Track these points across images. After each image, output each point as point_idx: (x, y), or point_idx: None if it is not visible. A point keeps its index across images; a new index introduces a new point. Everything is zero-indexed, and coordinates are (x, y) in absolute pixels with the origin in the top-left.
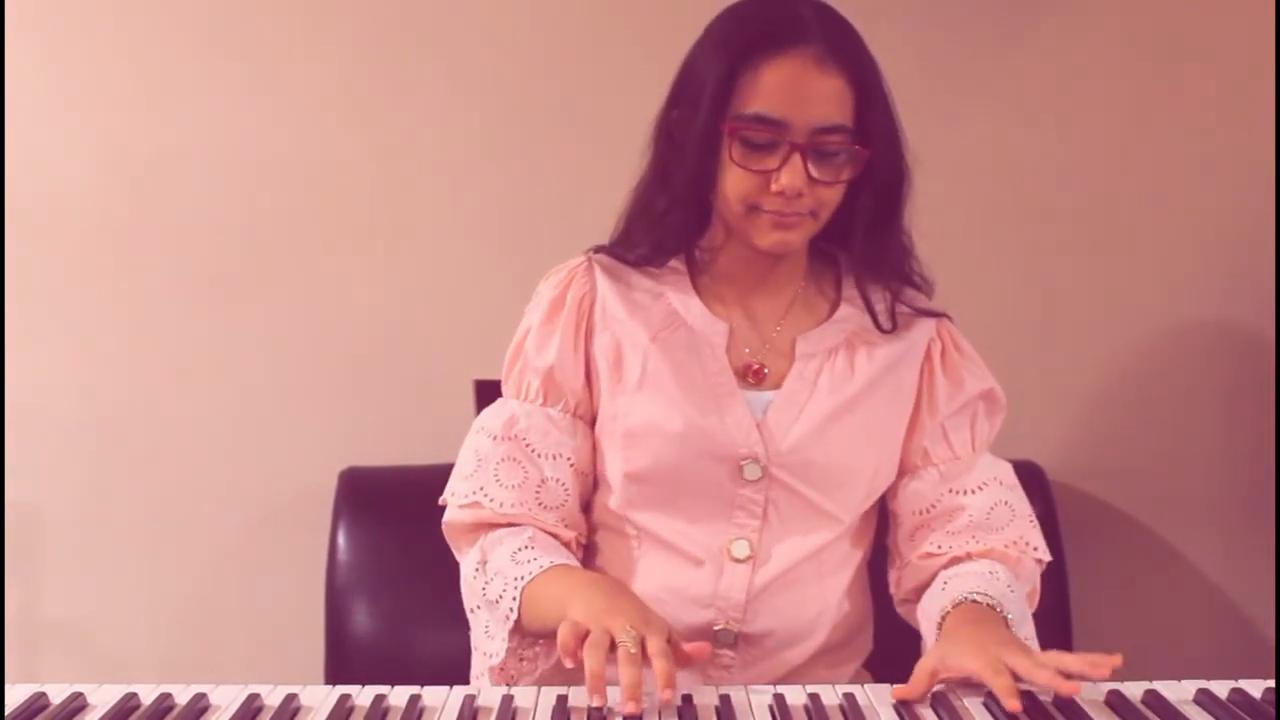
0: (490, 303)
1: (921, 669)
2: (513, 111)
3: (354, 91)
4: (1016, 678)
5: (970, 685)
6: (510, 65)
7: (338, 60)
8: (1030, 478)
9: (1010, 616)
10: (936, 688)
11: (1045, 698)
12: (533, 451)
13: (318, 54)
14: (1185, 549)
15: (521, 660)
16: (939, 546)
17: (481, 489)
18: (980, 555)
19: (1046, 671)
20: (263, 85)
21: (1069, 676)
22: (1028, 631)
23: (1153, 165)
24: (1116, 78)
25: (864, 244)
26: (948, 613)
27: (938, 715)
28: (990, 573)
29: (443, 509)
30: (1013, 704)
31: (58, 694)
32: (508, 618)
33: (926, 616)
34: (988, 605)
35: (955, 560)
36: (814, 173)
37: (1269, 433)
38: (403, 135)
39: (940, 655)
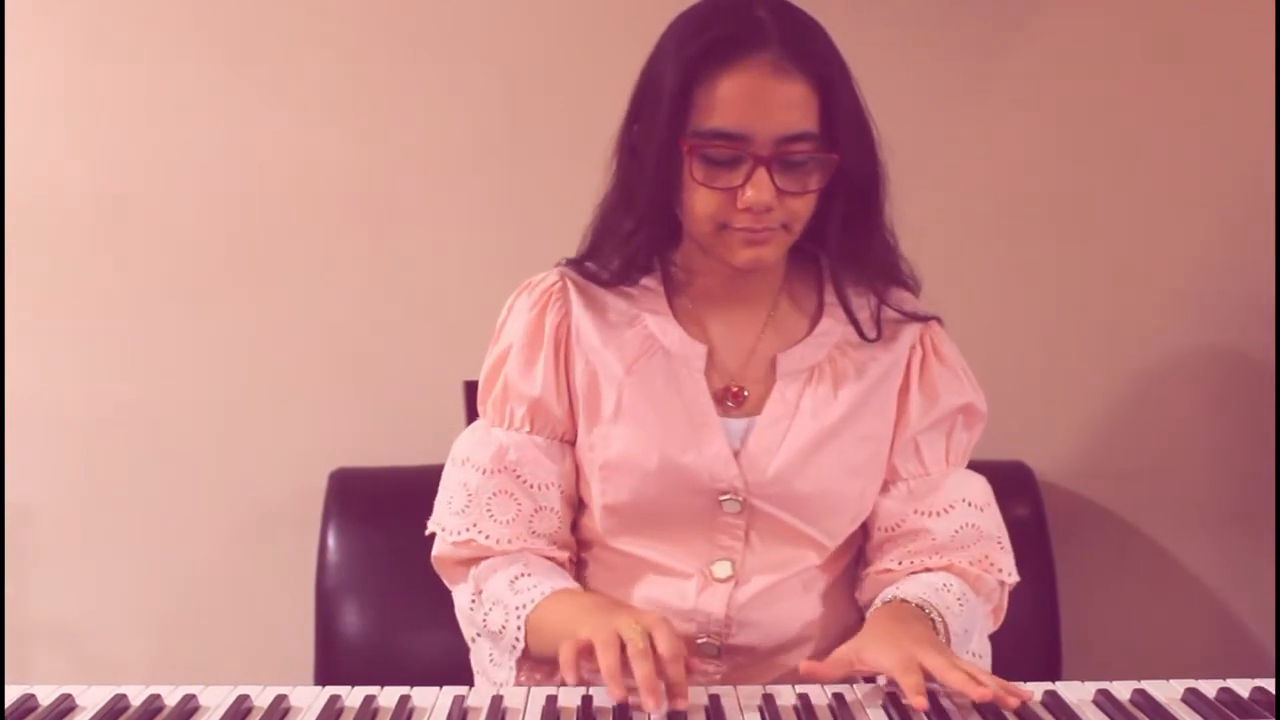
0: (481, 304)
1: (838, 656)
2: (505, 113)
3: (348, 94)
4: (929, 678)
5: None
6: (504, 69)
7: (333, 63)
8: (1019, 478)
9: (951, 626)
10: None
11: (1036, 698)
12: (525, 483)
13: (313, 57)
14: (1175, 551)
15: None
16: (899, 564)
17: (475, 525)
18: (939, 569)
19: (959, 674)
20: (259, 88)
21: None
22: (977, 646)
23: (1151, 167)
24: (1115, 78)
25: (843, 248)
26: (877, 609)
27: (929, 717)
28: (943, 585)
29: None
30: (919, 701)
31: (47, 695)
32: (514, 648)
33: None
34: (916, 606)
35: (913, 574)
36: (781, 184)
37: (1262, 435)
38: (396, 137)
39: (857, 648)
